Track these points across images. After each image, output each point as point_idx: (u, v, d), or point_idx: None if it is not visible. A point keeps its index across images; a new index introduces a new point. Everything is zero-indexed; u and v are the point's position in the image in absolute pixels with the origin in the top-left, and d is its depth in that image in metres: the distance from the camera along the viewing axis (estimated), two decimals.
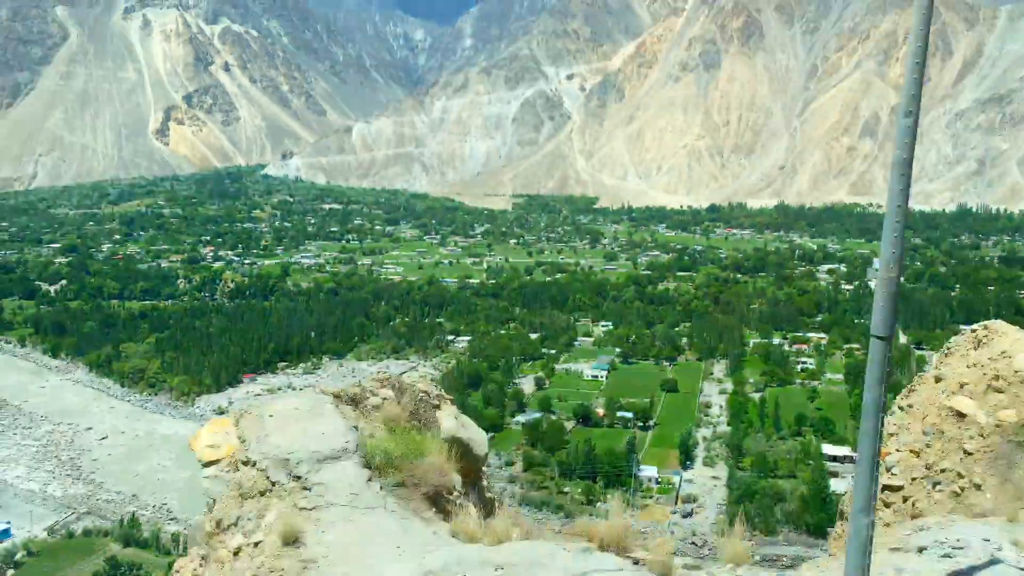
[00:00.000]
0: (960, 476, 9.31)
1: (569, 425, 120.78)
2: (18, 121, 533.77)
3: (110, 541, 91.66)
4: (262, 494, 8.95)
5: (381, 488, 9.08)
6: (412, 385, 12.33)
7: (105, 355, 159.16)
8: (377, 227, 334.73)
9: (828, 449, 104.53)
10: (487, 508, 12.95)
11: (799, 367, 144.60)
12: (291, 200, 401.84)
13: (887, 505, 9.72)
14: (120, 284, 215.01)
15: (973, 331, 10.58)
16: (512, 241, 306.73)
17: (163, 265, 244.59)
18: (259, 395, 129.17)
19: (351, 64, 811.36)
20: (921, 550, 8.00)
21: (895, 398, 10.59)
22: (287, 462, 9.13)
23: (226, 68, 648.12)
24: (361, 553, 7.94)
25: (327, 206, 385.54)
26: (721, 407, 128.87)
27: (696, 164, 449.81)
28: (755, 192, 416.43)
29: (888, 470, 9.83)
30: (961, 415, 9.74)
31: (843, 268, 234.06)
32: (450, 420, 12.19)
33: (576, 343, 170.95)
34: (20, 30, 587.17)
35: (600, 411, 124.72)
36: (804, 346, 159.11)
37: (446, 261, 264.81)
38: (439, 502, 9.52)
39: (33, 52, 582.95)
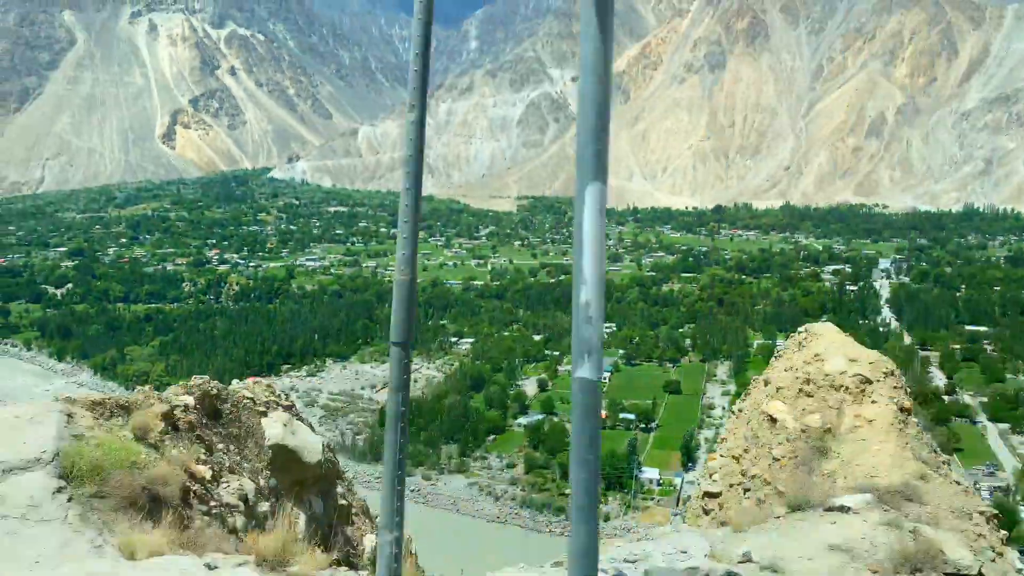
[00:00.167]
0: (766, 483, 9.14)
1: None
2: (26, 126, 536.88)
3: None
4: None
5: (71, 499, 8.74)
6: (234, 391, 12.05)
7: (110, 358, 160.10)
8: (382, 229, 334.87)
9: None
10: (331, 516, 12.56)
11: None
12: (297, 203, 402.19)
13: (706, 512, 9.52)
14: (126, 287, 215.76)
15: (799, 333, 10.33)
16: (517, 243, 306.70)
17: (169, 268, 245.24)
18: None
19: (356, 67, 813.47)
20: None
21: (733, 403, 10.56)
22: None
23: (232, 72, 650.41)
24: None
25: (332, 209, 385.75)
26: (724, 408, 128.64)
27: (701, 165, 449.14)
28: (760, 193, 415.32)
29: (710, 475, 9.66)
30: (773, 420, 9.61)
31: (848, 269, 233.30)
32: (276, 427, 11.98)
33: None
34: (28, 35, 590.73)
35: (603, 413, 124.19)
36: None
37: (450, 263, 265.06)
38: (157, 512, 9.07)
39: (41, 57, 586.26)
